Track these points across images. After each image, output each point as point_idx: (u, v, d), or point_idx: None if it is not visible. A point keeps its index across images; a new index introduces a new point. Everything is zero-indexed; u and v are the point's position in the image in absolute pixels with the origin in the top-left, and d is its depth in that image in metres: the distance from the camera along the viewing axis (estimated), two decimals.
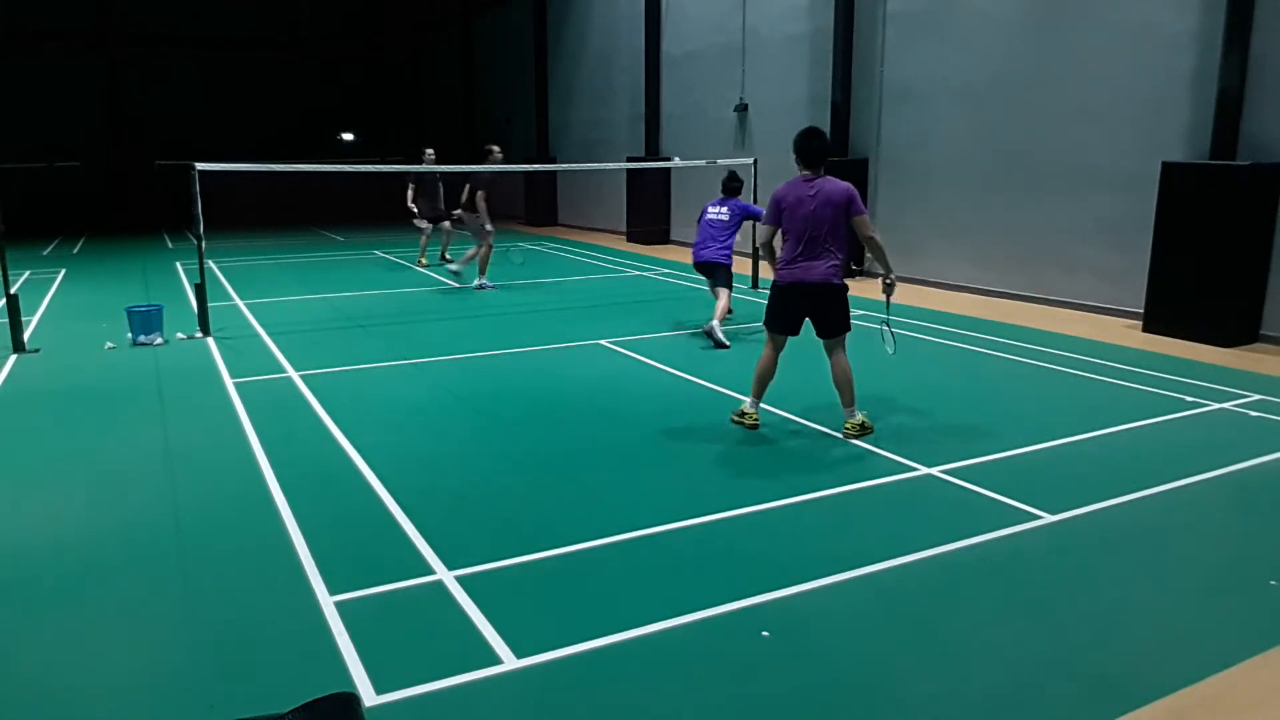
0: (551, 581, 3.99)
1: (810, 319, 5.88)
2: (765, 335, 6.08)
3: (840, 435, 5.89)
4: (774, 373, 6.05)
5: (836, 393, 5.96)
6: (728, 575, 4.00)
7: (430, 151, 14.31)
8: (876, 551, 4.19)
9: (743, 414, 6.11)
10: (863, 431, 5.86)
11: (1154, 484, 5.01)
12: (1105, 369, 7.65)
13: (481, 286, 12.32)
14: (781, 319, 5.94)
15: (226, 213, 14.10)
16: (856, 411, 5.92)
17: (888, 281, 6.03)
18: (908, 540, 4.31)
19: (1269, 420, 6.24)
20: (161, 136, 28.15)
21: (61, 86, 27.68)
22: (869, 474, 5.23)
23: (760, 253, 5.97)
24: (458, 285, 12.70)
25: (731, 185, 9.55)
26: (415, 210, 14.58)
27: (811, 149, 5.75)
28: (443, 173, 13.59)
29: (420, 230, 14.93)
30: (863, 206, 5.78)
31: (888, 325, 6.36)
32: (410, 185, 14.45)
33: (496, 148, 12.43)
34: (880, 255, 5.91)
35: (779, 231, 5.92)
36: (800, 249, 5.74)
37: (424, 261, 14.90)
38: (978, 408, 6.64)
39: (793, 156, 5.83)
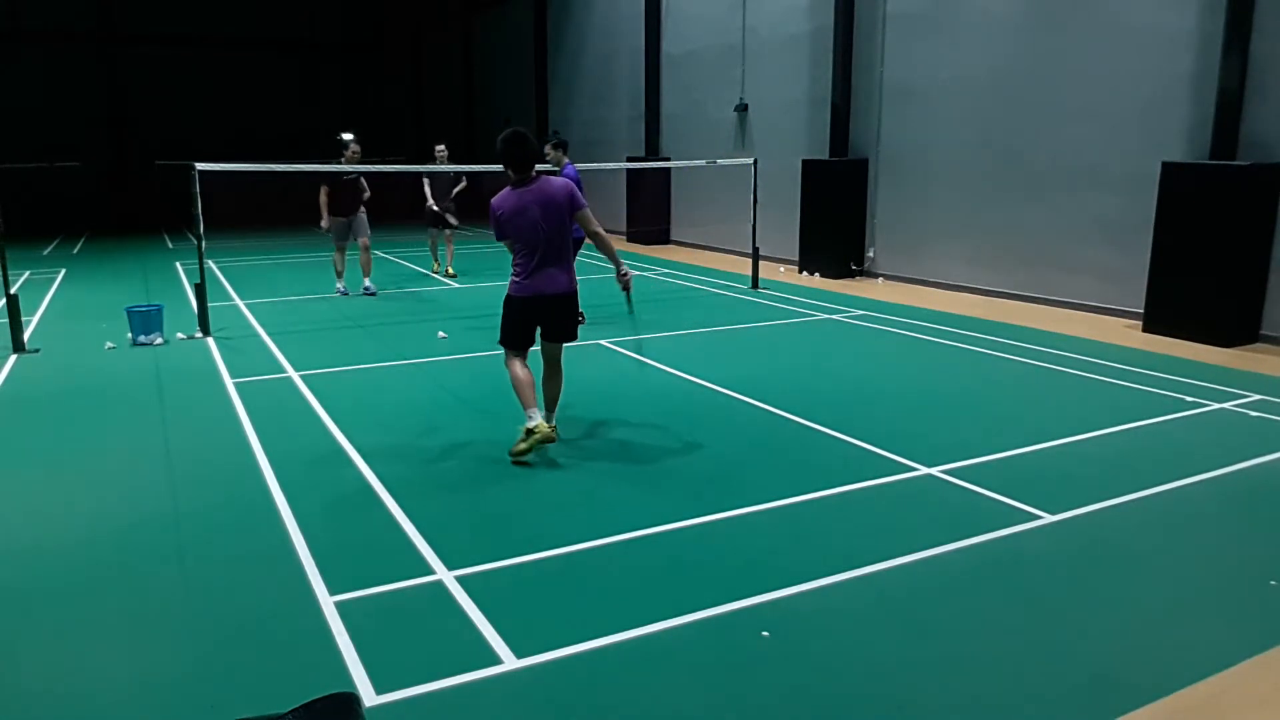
0: (551, 581, 3.99)
1: (541, 326, 5.59)
2: (508, 353, 5.59)
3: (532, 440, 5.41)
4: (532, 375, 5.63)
5: (544, 401, 5.66)
6: (728, 575, 4.00)
7: (442, 148, 13.01)
8: (876, 551, 4.19)
9: (531, 433, 5.38)
10: (544, 440, 5.43)
11: (1154, 484, 5.02)
12: (1105, 369, 7.65)
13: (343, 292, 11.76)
14: (522, 333, 5.57)
15: (226, 213, 14.09)
16: (554, 418, 5.72)
17: (622, 275, 5.69)
18: (908, 540, 4.31)
19: (1269, 420, 6.24)
20: (161, 136, 28.16)
21: (61, 86, 27.68)
22: (869, 474, 5.23)
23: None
24: (457, 285, 12.71)
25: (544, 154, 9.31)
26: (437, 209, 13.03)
27: (514, 155, 5.35)
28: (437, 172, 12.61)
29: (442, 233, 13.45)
30: (583, 200, 5.54)
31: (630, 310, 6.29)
32: (426, 181, 12.90)
33: (349, 137, 11.20)
34: (609, 251, 5.63)
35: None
36: (536, 259, 5.38)
37: (450, 270, 13.72)
38: (978, 408, 6.64)
39: (505, 165, 5.44)
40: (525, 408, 5.46)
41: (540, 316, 5.55)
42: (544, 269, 5.41)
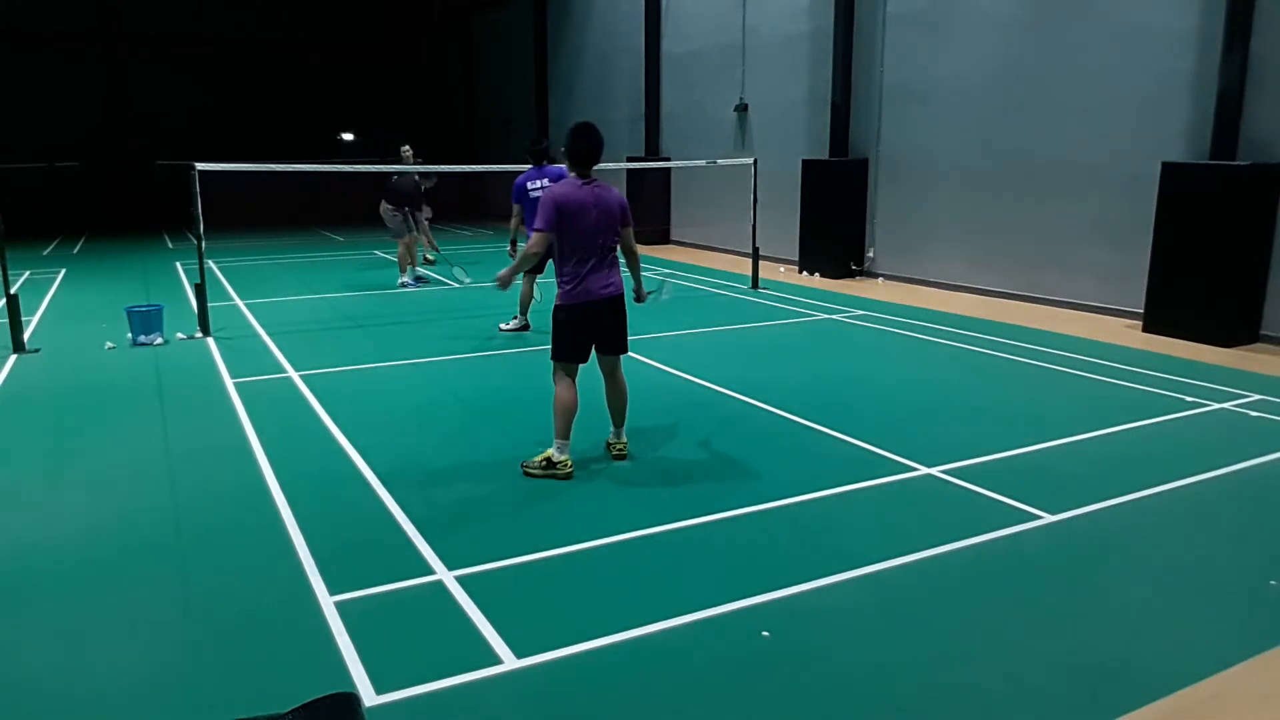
0: (551, 581, 3.99)
1: (596, 336, 5.31)
2: (558, 369, 5.30)
3: (609, 455, 5.46)
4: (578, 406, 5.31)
5: (610, 413, 5.47)
6: (728, 575, 4.00)
7: (407, 148, 14.08)
8: (876, 551, 4.19)
9: (552, 464, 5.21)
10: (622, 454, 5.43)
11: (1154, 484, 5.02)
12: (1105, 369, 7.65)
13: (404, 285, 12.74)
14: (581, 345, 5.27)
15: (226, 213, 14.11)
16: (623, 432, 5.51)
17: (641, 294, 5.64)
18: (908, 540, 4.31)
19: (1269, 420, 6.24)
20: (161, 136, 28.14)
21: (61, 86, 27.66)
22: (869, 474, 5.23)
23: (525, 264, 5.25)
24: (459, 284, 12.72)
25: (536, 149, 9.19)
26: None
27: (583, 149, 5.16)
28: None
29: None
30: (630, 217, 5.35)
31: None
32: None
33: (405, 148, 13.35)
34: (637, 268, 5.57)
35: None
36: (589, 265, 5.13)
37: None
38: (978, 408, 6.64)
39: (571, 157, 5.22)
40: (557, 435, 5.21)
41: (595, 324, 5.24)
42: (595, 273, 5.17)
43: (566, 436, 5.24)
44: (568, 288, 5.16)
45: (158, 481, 5.22)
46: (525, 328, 9.52)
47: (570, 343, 5.24)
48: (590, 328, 5.25)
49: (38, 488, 5.19)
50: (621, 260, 5.44)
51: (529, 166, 9.24)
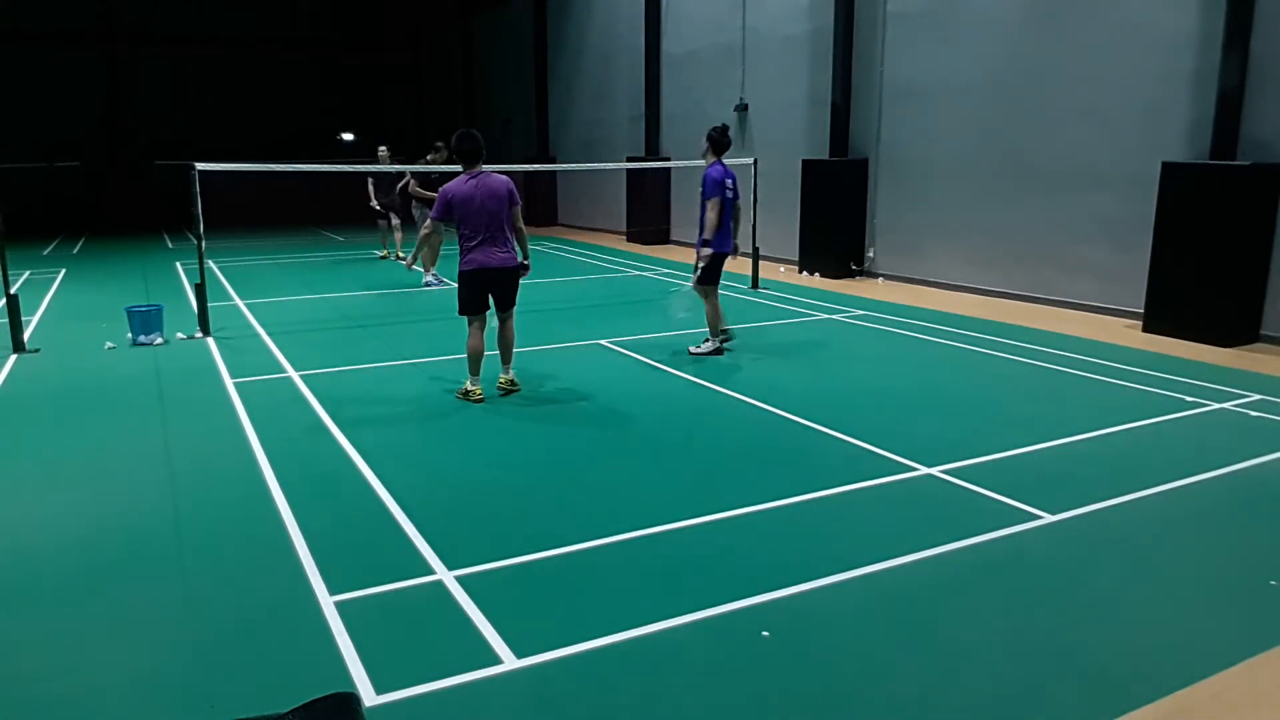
0: (551, 581, 3.99)
1: (491, 295, 6.71)
2: (468, 322, 6.72)
3: (498, 391, 6.86)
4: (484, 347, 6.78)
5: (500, 353, 6.90)
6: (728, 575, 4.00)
7: (384, 150, 14.72)
8: (876, 551, 4.19)
9: (468, 392, 6.75)
10: (512, 387, 6.91)
11: (1154, 484, 5.02)
12: (1105, 369, 7.65)
13: (429, 284, 12.66)
14: (477, 301, 6.68)
15: (226, 213, 14.11)
16: (510, 370, 6.96)
17: (526, 264, 6.84)
18: (908, 540, 4.31)
19: (1269, 420, 6.24)
20: (161, 136, 28.16)
21: (61, 86, 27.68)
22: (869, 474, 5.23)
23: (422, 243, 6.67)
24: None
25: (724, 140, 8.35)
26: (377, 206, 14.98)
27: (464, 150, 6.60)
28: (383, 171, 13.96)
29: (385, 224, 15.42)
30: (519, 198, 6.71)
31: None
32: (370, 181, 14.74)
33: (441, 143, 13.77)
34: (524, 243, 6.85)
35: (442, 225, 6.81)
36: (479, 239, 6.54)
37: (400, 254, 15.50)
38: (978, 408, 6.64)
39: (459, 158, 6.64)
40: (470, 373, 6.75)
41: (488, 287, 6.64)
42: (486, 247, 6.55)
43: (476, 374, 6.73)
44: (463, 259, 6.60)
45: (158, 481, 5.22)
46: (719, 351, 8.31)
47: (467, 300, 6.66)
48: (482, 289, 6.64)
49: (38, 488, 5.18)
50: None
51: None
